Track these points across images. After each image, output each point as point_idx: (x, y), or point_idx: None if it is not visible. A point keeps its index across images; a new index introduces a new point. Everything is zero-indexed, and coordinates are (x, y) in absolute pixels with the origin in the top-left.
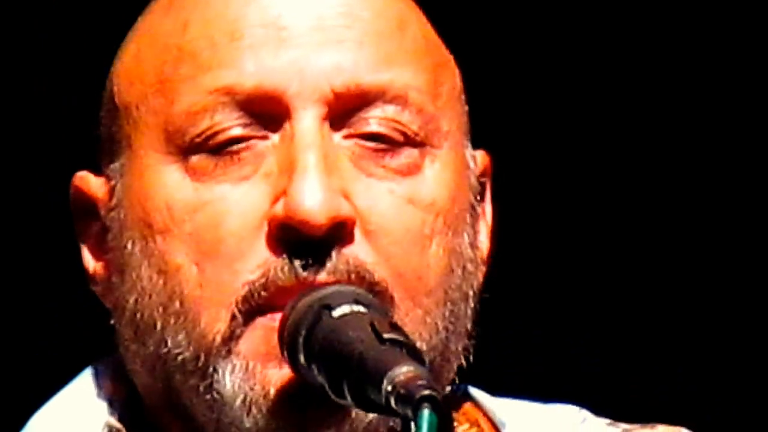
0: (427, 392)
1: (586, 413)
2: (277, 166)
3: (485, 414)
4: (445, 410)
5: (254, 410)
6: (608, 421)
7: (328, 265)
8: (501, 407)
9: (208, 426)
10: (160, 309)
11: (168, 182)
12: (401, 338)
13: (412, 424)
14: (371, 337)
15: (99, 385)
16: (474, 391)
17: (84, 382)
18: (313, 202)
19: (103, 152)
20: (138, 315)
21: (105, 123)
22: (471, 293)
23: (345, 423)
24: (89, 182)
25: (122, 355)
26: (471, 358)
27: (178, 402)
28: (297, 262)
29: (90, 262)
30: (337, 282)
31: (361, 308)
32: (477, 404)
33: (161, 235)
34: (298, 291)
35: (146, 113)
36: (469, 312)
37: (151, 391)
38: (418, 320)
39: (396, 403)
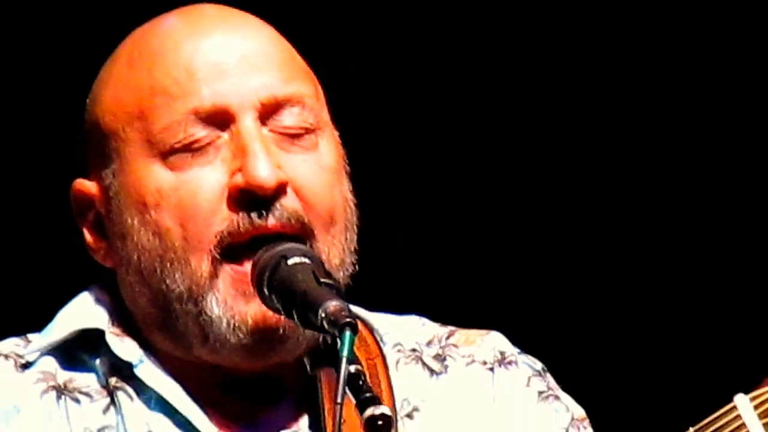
0: (348, 320)
1: (425, 320)
2: (230, 153)
3: (365, 325)
4: (357, 331)
5: (237, 331)
6: (440, 324)
7: (276, 213)
8: (373, 318)
9: (195, 342)
10: (158, 260)
11: (155, 174)
12: (331, 282)
13: (338, 340)
14: (312, 280)
15: (99, 300)
16: (353, 308)
17: (90, 295)
18: (265, 173)
19: (92, 164)
20: (142, 266)
21: (93, 144)
22: (355, 221)
23: (295, 335)
24: (85, 185)
25: (123, 292)
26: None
27: (174, 325)
28: (253, 215)
29: (90, 239)
30: (280, 225)
31: (306, 260)
32: (359, 317)
33: (154, 209)
34: (252, 234)
35: (131, 132)
36: (355, 236)
37: (149, 316)
38: (329, 243)
39: (327, 326)
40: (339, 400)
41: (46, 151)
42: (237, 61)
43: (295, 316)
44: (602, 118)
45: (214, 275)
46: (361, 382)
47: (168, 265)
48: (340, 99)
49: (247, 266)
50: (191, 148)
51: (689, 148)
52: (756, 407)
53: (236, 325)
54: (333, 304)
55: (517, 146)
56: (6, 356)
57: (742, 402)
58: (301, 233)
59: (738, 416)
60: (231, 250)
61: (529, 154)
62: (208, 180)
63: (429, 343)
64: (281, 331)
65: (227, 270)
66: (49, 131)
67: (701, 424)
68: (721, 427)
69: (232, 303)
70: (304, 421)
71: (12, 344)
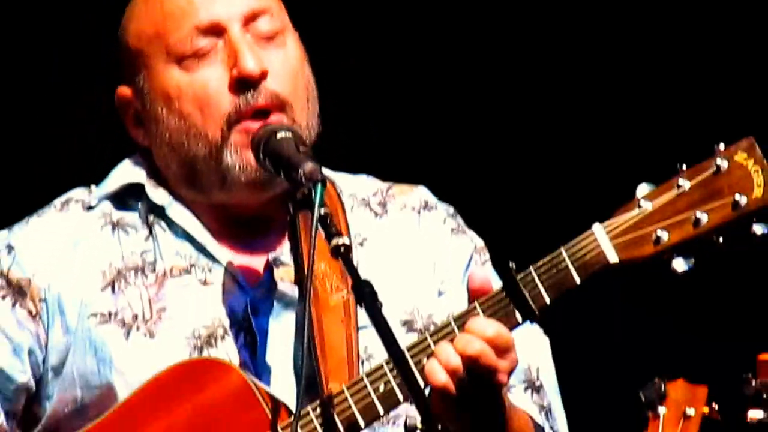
0: (320, 177)
1: (371, 178)
2: (226, 55)
3: (329, 180)
4: (326, 185)
5: (246, 171)
6: (381, 181)
7: (262, 94)
8: (334, 176)
9: (214, 188)
10: (184, 135)
11: (174, 75)
12: (307, 150)
13: (313, 191)
14: (294, 148)
15: (138, 163)
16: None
17: (132, 160)
18: (251, 64)
19: (127, 76)
20: (171, 141)
21: (126, 62)
22: (316, 96)
23: (275, 185)
24: (124, 90)
25: (159, 162)
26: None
27: (198, 178)
28: (249, 96)
29: (131, 128)
30: (267, 102)
31: (290, 134)
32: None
33: (176, 100)
34: (252, 110)
35: (152, 48)
36: (317, 107)
37: (178, 175)
38: (300, 111)
39: (305, 181)
40: (313, 233)
41: (46, 150)
42: None
43: (282, 174)
44: None
45: (227, 137)
46: (328, 221)
47: (193, 137)
48: None
49: (251, 124)
50: (198, 54)
51: None
52: (608, 233)
53: (245, 166)
54: (309, 165)
55: None
56: (76, 200)
57: (597, 228)
58: (281, 107)
59: (595, 239)
60: (238, 121)
61: None
62: (213, 76)
63: (374, 194)
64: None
65: (237, 129)
66: (49, 131)
67: (568, 244)
68: (582, 248)
69: (242, 152)
70: (286, 246)
71: (80, 192)
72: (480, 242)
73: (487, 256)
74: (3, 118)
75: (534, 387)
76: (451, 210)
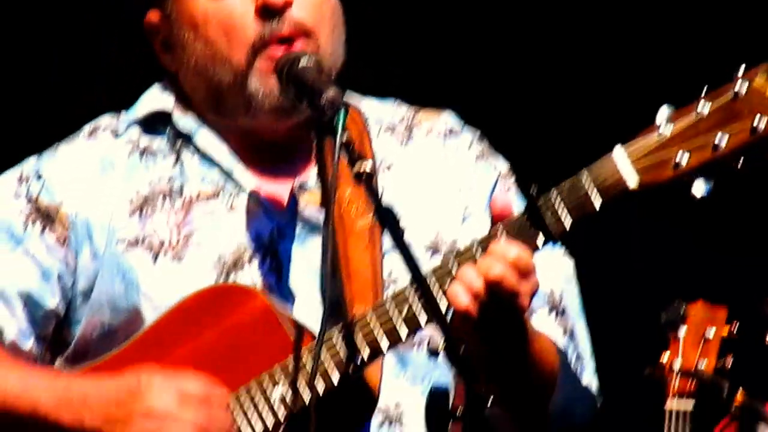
0: (342, 103)
1: (398, 102)
2: None
3: (355, 107)
4: (348, 111)
5: (270, 97)
6: (408, 106)
7: (286, 22)
8: (361, 102)
9: (240, 113)
10: (210, 60)
11: (201, 2)
12: (331, 77)
13: (335, 117)
14: (316, 75)
15: (166, 88)
16: (349, 93)
17: (160, 85)
18: None
19: (155, 1)
20: (198, 66)
21: None
22: (342, 23)
23: (299, 111)
24: (152, 16)
25: (186, 87)
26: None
27: (224, 103)
28: (273, 24)
29: (160, 53)
30: (291, 30)
31: (313, 61)
32: (350, 101)
33: (203, 26)
34: (277, 38)
35: None
36: (344, 34)
37: (204, 100)
38: (325, 40)
39: (327, 107)
40: (336, 158)
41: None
42: None
43: (305, 100)
44: None
45: (252, 63)
46: (350, 146)
47: (218, 63)
48: None
49: (275, 51)
50: None
51: None
52: (629, 155)
53: (269, 93)
54: (331, 91)
55: None
56: (104, 128)
57: (618, 151)
58: (305, 36)
59: (615, 163)
60: (262, 48)
61: None
62: (239, 3)
63: (401, 120)
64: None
65: (261, 56)
66: (49, 131)
67: (590, 167)
68: (603, 171)
69: (265, 79)
70: (312, 172)
71: (108, 118)
72: (505, 167)
73: (512, 180)
74: (3, 118)
75: (557, 310)
76: (477, 135)
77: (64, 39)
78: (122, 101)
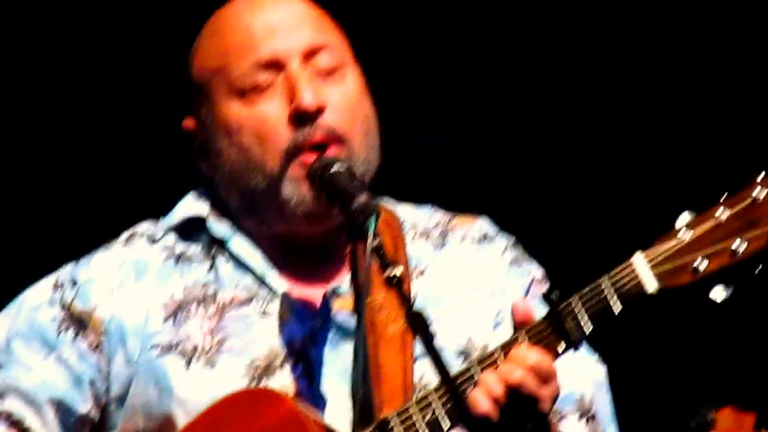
0: (374, 209)
1: (435, 208)
2: (285, 89)
3: (391, 212)
4: (379, 216)
5: (304, 204)
6: (444, 212)
7: (319, 129)
8: (397, 207)
9: (274, 218)
10: (245, 167)
11: (235, 109)
12: (361, 183)
13: (367, 223)
14: (348, 181)
15: (202, 195)
16: (385, 198)
17: (196, 192)
18: (309, 99)
19: (195, 106)
20: (234, 170)
21: (193, 92)
22: (376, 130)
23: (332, 217)
24: (189, 122)
25: (221, 192)
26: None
27: (257, 209)
28: (306, 130)
29: (197, 158)
30: (323, 137)
31: (345, 167)
32: (385, 207)
33: (237, 133)
34: (309, 144)
35: (215, 82)
36: (378, 140)
37: (239, 206)
38: (358, 146)
39: (358, 213)
40: (367, 263)
41: (46, 150)
42: (283, 23)
43: (338, 206)
44: None
45: (285, 169)
46: (381, 251)
47: (252, 169)
48: None
49: (308, 157)
50: (258, 89)
51: None
52: (648, 262)
53: (302, 199)
54: (363, 197)
55: None
56: (141, 234)
57: (638, 257)
58: (338, 142)
59: (635, 269)
60: (295, 155)
61: None
62: (272, 110)
63: (435, 226)
64: (328, 206)
65: (294, 162)
66: (49, 131)
67: (610, 273)
68: (623, 277)
69: (299, 185)
70: (345, 277)
71: (146, 225)
72: (539, 273)
73: (546, 286)
74: (3, 118)
75: (588, 416)
76: (512, 241)
77: (64, 39)
78: (122, 101)
